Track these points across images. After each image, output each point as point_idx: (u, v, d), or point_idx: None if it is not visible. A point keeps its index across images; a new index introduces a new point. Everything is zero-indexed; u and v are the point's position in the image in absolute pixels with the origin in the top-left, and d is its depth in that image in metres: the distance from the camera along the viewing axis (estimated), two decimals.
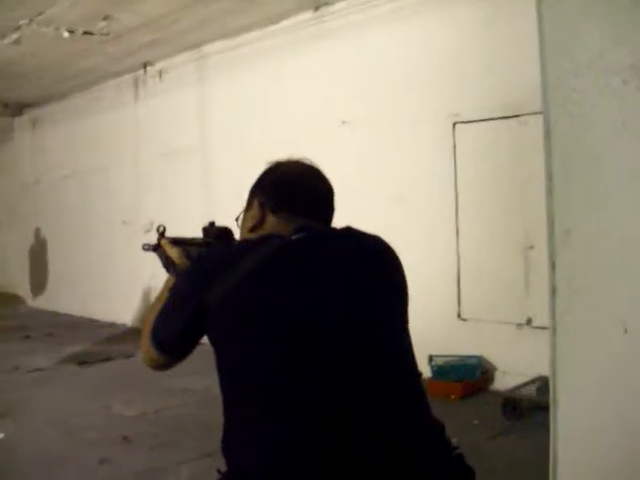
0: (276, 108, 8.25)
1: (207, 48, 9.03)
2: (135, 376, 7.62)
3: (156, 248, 2.53)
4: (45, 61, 9.51)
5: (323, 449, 1.87)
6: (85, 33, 8.14)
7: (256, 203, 2.19)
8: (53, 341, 9.80)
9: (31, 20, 7.57)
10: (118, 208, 11.02)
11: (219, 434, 5.17)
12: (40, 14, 7.37)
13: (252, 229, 2.18)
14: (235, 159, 8.82)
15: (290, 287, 1.96)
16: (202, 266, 2.09)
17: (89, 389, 7.18)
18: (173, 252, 2.47)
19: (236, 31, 8.38)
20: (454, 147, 6.63)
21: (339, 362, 1.92)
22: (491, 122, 6.40)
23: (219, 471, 2.04)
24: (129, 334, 10.12)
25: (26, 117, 13.47)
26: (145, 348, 2.15)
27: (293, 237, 2.06)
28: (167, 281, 2.34)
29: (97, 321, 11.17)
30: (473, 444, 4.82)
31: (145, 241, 2.59)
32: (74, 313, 11.84)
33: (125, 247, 10.83)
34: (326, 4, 7.42)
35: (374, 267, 2.09)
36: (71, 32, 8.03)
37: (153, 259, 8.16)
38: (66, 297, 12.32)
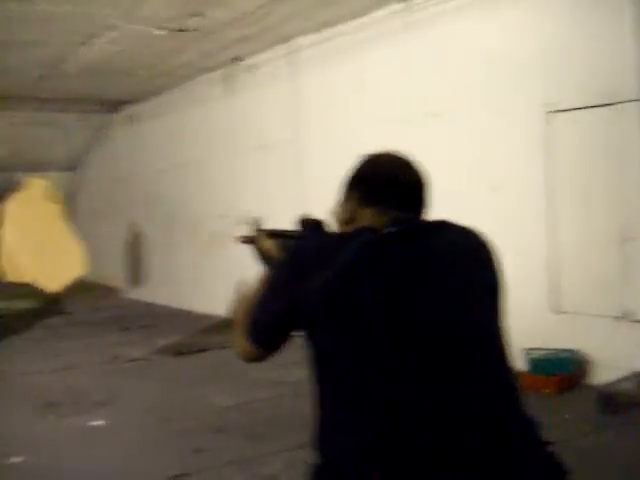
0: (367, 100, 8.23)
1: (297, 42, 9.06)
2: (229, 367, 7.71)
3: (252, 241, 2.53)
4: (139, 59, 9.69)
5: (417, 445, 1.87)
6: (178, 30, 8.27)
7: (350, 196, 2.18)
8: (150, 332, 10.01)
9: (125, 19, 7.72)
10: (213, 201, 11.16)
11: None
12: (134, 13, 7.51)
13: (346, 222, 2.18)
14: (327, 152, 8.84)
15: (383, 281, 1.95)
16: (296, 259, 2.09)
17: (184, 379, 7.33)
18: (269, 244, 2.47)
19: (326, 24, 8.39)
20: (547, 136, 6.51)
21: (432, 358, 1.91)
22: (586, 110, 6.24)
23: (309, 463, 2.04)
24: (224, 325, 10.23)
25: (122, 113, 13.75)
26: (239, 340, 2.17)
27: (386, 230, 2.04)
28: (261, 274, 2.33)
29: (192, 312, 11.33)
30: (565, 440, 4.74)
31: (241, 233, 2.59)
32: (170, 305, 12.05)
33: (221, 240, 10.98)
34: None
35: (468, 261, 2.07)
36: (164, 30, 8.16)
37: (249, 251, 8.25)
38: (163, 289, 12.55)
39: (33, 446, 5.42)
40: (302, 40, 8.96)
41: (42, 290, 9.11)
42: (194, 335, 9.67)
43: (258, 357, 2.17)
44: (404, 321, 1.93)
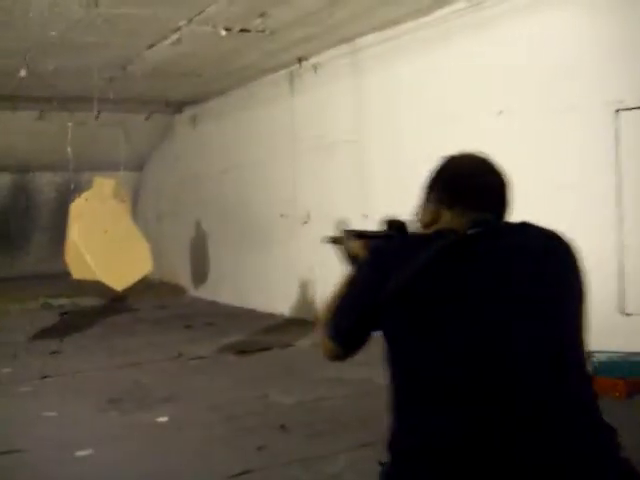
0: (431, 99, 8.18)
1: (361, 41, 9.05)
2: (292, 366, 7.78)
3: (339, 241, 2.58)
4: (203, 59, 9.77)
5: (491, 447, 1.87)
6: (242, 30, 8.30)
7: (431, 198, 2.22)
8: (213, 330, 10.10)
9: (190, 20, 7.79)
10: (276, 201, 11.21)
11: (375, 425, 5.21)
12: (199, 14, 7.57)
13: (428, 224, 2.20)
14: (390, 152, 8.83)
15: (463, 282, 1.98)
16: (378, 259, 2.14)
17: (248, 377, 7.36)
18: (355, 245, 2.50)
19: (389, 23, 8.36)
20: (617, 134, 6.39)
21: (509, 359, 1.92)
22: None
23: (381, 463, 2.07)
24: (287, 325, 10.30)
25: (186, 114, 13.89)
26: (323, 339, 2.22)
27: (468, 232, 2.06)
28: (346, 274, 2.37)
29: (255, 311, 11.40)
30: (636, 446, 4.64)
31: (328, 234, 2.64)
32: (233, 303, 12.14)
33: (283, 239, 11.03)
34: None
35: (550, 264, 2.07)
36: (228, 30, 8.21)
37: (311, 251, 8.30)
38: (226, 288, 12.65)
39: (98, 441, 5.51)
40: (365, 39, 8.95)
41: (108, 288, 9.23)
42: (257, 334, 9.73)
43: (340, 356, 2.22)
44: (483, 324, 1.94)
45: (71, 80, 10.45)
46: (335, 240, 2.59)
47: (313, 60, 9.99)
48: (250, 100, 11.65)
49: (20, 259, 15.77)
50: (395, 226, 2.46)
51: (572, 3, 6.62)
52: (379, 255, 2.16)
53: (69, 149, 9.94)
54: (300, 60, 10.13)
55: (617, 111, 6.36)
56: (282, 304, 10.95)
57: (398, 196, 8.58)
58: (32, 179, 15.57)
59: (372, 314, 2.06)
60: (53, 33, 7.96)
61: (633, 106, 6.25)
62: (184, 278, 14.18)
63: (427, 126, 8.17)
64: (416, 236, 2.25)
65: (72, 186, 9.78)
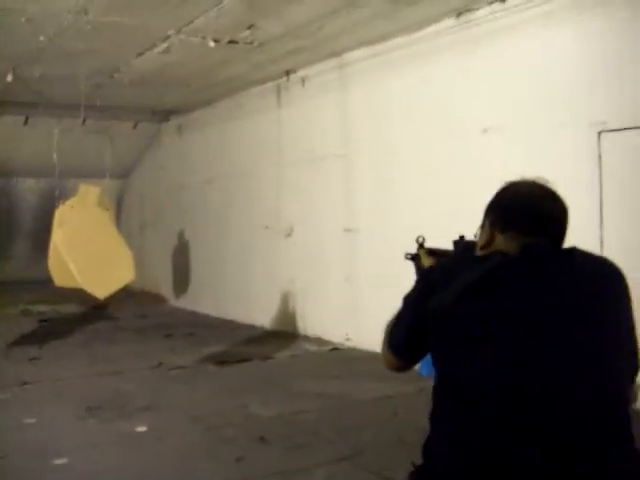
0: (420, 115, 8.21)
1: (349, 55, 9.09)
2: (272, 378, 7.77)
3: (414, 257, 2.74)
4: (191, 69, 9.80)
5: (525, 464, 1.94)
6: (230, 42, 8.34)
7: (487, 222, 2.29)
8: (194, 340, 10.07)
9: (179, 30, 7.82)
10: (259, 212, 11.23)
11: (354, 439, 5.24)
12: (188, 24, 7.60)
13: (483, 247, 2.28)
14: (377, 167, 8.85)
15: (505, 302, 2.05)
16: (428, 277, 2.31)
17: (227, 388, 7.34)
18: (427, 262, 2.66)
19: (378, 38, 8.41)
20: (599, 156, 6.44)
21: (544, 377, 1.98)
22: (637, 130, 6.18)
23: (414, 464, 2.21)
24: (267, 336, 10.29)
25: (172, 123, 13.91)
26: (383, 350, 2.37)
27: (516, 255, 2.13)
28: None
29: (236, 322, 11.39)
30: None
31: (406, 250, 2.79)
32: (214, 314, 12.13)
33: (265, 251, 11.03)
34: (468, 11, 7.36)
35: (594, 290, 2.12)
36: (217, 41, 8.24)
37: (293, 263, 8.29)
38: (207, 298, 12.64)
39: (76, 449, 5.48)
40: (354, 54, 9.00)
41: (90, 295, 9.21)
42: (237, 345, 9.71)
43: (398, 367, 2.38)
44: (520, 345, 2.01)
45: (58, 86, 10.44)
46: (413, 257, 2.74)
47: (301, 73, 10.03)
48: (237, 111, 11.67)
49: (2, 265, 15.70)
50: (463, 246, 2.56)
51: (560, 25, 6.67)
52: (429, 274, 2.34)
53: (55, 155, 9.92)
54: (288, 73, 10.18)
55: (600, 133, 6.41)
56: (263, 316, 10.95)
57: (384, 211, 8.65)
58: (15, 184, 15.53)
59: (419, 328, 2.18)
60: (42, 39, 7.97)
61: (615, 128, 6.31)
62: (165, 287, 14.17)
63: (415, 142, 8.22)
64: (467, 257, 2.34)
65: (57, 192, 9.76)
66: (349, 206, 9.28)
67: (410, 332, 2.24)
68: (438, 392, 2.16)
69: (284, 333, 10.25)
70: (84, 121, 10.51)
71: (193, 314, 12.59)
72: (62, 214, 9.14)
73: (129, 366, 8.36)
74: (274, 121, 10.79)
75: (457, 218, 7.32)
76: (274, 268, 10.79)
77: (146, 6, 7.05)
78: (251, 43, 8.45)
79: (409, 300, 2.28)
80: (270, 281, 10.88)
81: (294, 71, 10.09)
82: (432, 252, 2.70)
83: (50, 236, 9.25)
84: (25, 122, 12.53)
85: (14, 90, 10.53)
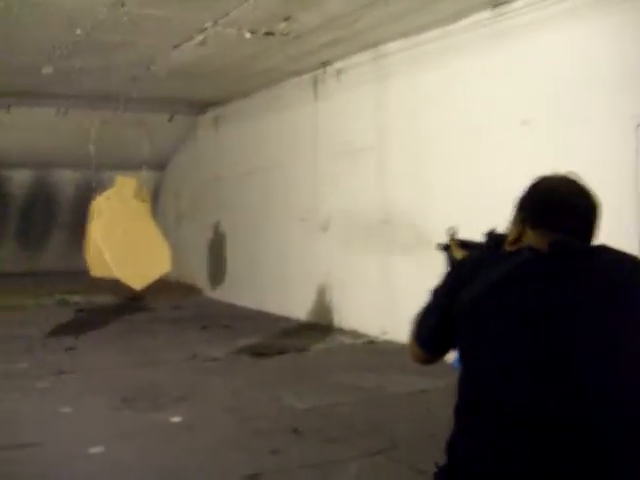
0: (454, 108, 8.15)
1: (386, 47, 9.05)
2: (307, 370, 7.78)
3: (446, 248, 2.74)
4: (228, 61, 9.81)
5: (542, 470, 1.93)
6: (266, 34, 8.34)
7: (518, 217, 2.27)
8: (229, 332, 10.11)
9: (215, 22, 7.83)
10: (296, 205, 11.23)
11: (387, 433, 5.22)
12: (224, 16, 7.60)
13: (513, 242, 2.26)
14: (412, 159, 8.81)
15: (531, 298, 2.03)
16: (456, 270, 2.32)
17: (262, 380, 7.36)
18: (458, 254, 2.66)
19: (415, 30, 8.36)
20: (637, 150, 6.34)
21: (567, 376, 1.96)
22: None
23: (437, 465, 2.19)
24: (302, 329, 10.30)
25: (209, 115, 13.94)
26: (411, 342, 2.36)
27: (545, 251, 2.11)
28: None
29: (272, 315, 11.41)
30: None
31: (439, 241, 2.81)
32: (250, 306, 12.15)
33: (301, 243, 11.03)
34: (505, 2, 7.29)
35: (622, 290, 2.08)
36: (253, 33, 8.24)
37: (329, 256, 8.27)
38: (243, 290, 12.67)
39: (111, 438, 5.52)
40: (390, 46, 8.95)
41: (126, 286, 9.27)
42: (273, 337, 9.73)
43: (425, 360, 2.37)
44: (543, 343, 1.99)
45: (95, 78, 10.50)
46: (445, 247, 2.75)
47: (337, 65, 10.00)
48: (273, 103, 11.67)
49: (38, 255, 15.88)
50: (494, 239, 2.53)
51: (595, 17, 6.58)
52: (458, 267, 2.35)
53: (92, 147, 9.99)
54: (324, 65, 10.15)
55: (638, 126, 6.30)
56: (299, 308, 10.95)
57: (419, 203, 8.60)
58: (53, 176, 15.67)
59: (446, 321, 2.17)
60: (79, 32, 8.01)
61: None
62: (201, 279, 14.22)
63: (450, 134, 8.16)
64: (497, 252, 2.33)
65: (94, 184, 9.83)
66: (385, 198, 9.24)
67: (437, 325, 2.23)
68: (462, 386, 2.15)
69: (320, 326, 10.24)
70: (121, 113, 10.56)
71: (229, 306, 12.63)
72: (99, 205, 9.22)
73: (164, 357, 8.42)
74: (310, 113, 10.77)
75: (491, 210, 7.27)
76: (310, 260, 10.79)
77: None
78: (287, 35, 8.44)
79: (437, 293, 2.27)
80: (306, 273, 10.88)
81: (330, 63, 10.06)
82: (463, 244, 2.69)
83: (87, 227, 9.32)
84: (62, 114, 12.62)
85: (53, 82, 10.63)
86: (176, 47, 8.88)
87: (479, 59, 7.78)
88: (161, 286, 11.52)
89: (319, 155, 10.64)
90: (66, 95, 11.88)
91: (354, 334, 9.57)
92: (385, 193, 9.25)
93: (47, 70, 9.71)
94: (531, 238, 2.19)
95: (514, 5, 7.28)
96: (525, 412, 1.95)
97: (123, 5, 7.10)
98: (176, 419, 6.02)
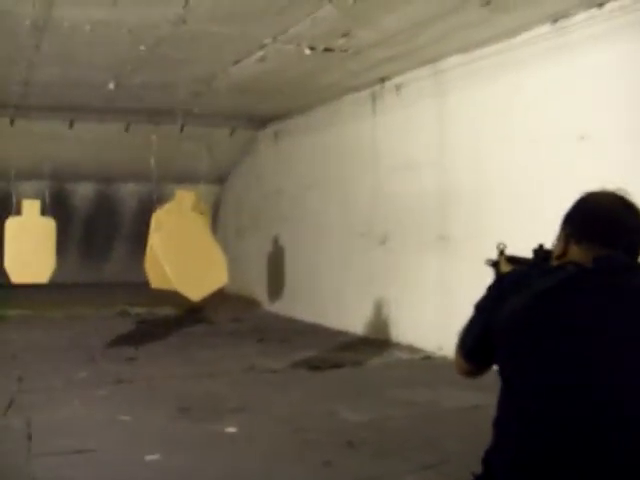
0: (515, 123, 8.11)
1: (445, 62, 9.04)
2: (363, 384, 7.79)
3: (495, 264, 2.74)
4: (287, 77, 9.89)
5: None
6: (325, 50, 8.40)
7: (564, 232, 2.28)
8: (286, 345, 10.15)
9: (275, 38, 7.91)
10: (354, 219, 11.25)
11: (441, 448, 5.22)
12: (284, 32, 7.69)
13: (558, 257, 2.28)
14: (472, 174, 8.77)
15: (573, 314, 2.04)
16: (499, 285, 2.31)
17: (318, 393, 7.39)
18: (507, 270, 2.62)
19: (473, 45, 8.35)
20: None
21: (609, 394, 1.96)
22: None
23: (473, 474, 2.22)
24: (360, 343, 10.30)
25: (269, 130, 14.05)
26: (456, 355, 2.39)
27: (589, 266, 2.11)
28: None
29: (330, 328, 11.42)
30: None
31: (487, 257, 2.80)
32: (308, 319, 12.19)
33: (360, 258, 11.05)
34: (565, 16, 7.24)
35: None
36: (312, 49, 8.31)
37: (388, 270, 8.28)
38: (301, 303, 12.71)
39: (168, 447, 5.60)
40: (448, 61, 8.95)
41: (185, 298, 9.39)
42: (330, 351, 9.75)
43: (469, 372, 2.39)
44: (586, 357, 1.99)
45: (157, 94, 10.69)
46: (494, 263, 2.75)
47: (396, 80, 10.02)
48: (332, 118, 11.74)
49: (101, 266, 16.17)
50: (542, 255, 2.54)
51: None
52: (502, 281, 2.34)
53: (153, 161, 10.16)
54: (383, 80, 10.19)
55: None
56: (356, 322, 10.96)
57: (478, 219, 8.57)
58: (116, 189, 15.96)
59: (487, 335, 2.19)
60: (142, 48, 8.17)
61: None
62: (260, 292, 14.31)
63: (510, 149, 8.11)
64: (540, 267, 2.34)
65: (154, 197, 9.99)
66: (443, 214, 9.23)
67: (480, 337, 2.24)
68: (502, 399, 2.16)
69: (377, 340, 10.24)
70: (182, 128, 10.72)
71: (287, 319, 12.68)
72: (159, 218, 9.36)
73: (222, 369, 8.50)
74: (369, 128, 10.81)
75: (550, 225, 7.23)
76: (368, 275, 10.80)
77: (244, 15, 7.15)
78: (346, 51, 8.50)
79: (480, 306, 2.30)
80: (364, 288, 10.89)
81: (389, 78, 10.09)
82: (512, 259, 2.68)
83: (147, 239, 9.47)
84: (126, 129, 12.86)
85: (116, 97, 10.86)
86: (236, 63, 9.00)
87: (539, 73, 7.73)
88: (220, 299, 11.65)
89: (378, 170, 10.66)
90: (129, 110, 12.12)
91: (411, 349, 9.56)
92: (444, 208, 9.23)
93: (110, 86, 9.92)
94: (576, 253, 2.19)
95: (575, 19, 7.22)
96: (568, 427, 1.95)
97: (185, 22, 7.22)
98: (232, 429, 6.09)
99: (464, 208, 8.89)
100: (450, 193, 9.15)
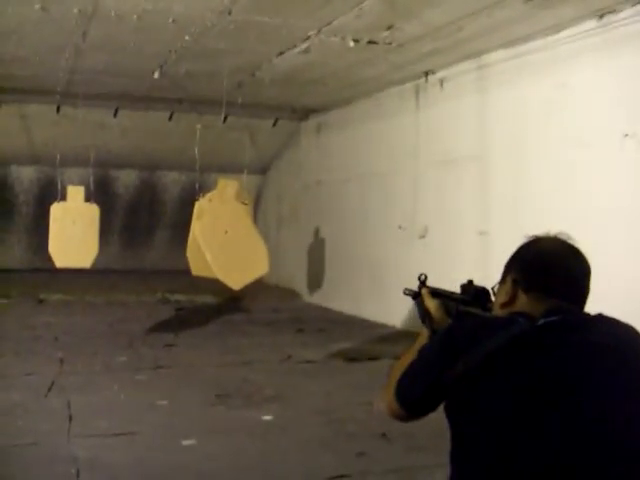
0: (558, 120, 8.03)
1: (488, 57, 9.00)
2: None
3: (416, 296, 2.63)
4: (331, 69, 9.92)
5: None
6: (369, 42, 8.41)
7: (509, 279, 2.19)
8: (324, 336, 10.20)
9: (319, 30, 7.94)
10: (395, 212, 11.25)
11: None
12: (328, 24, 7.70)
13: (503, 305, 2.19)
14: (513, 171, 8.71)
15: (530, 375, 1.94)
16: (450, 338, 2.14)
17: (354, 385, 7.40)
18: (431, 304, 2.55)
19: (518, 40, 8.29)
20: None
21: (578, 457, 1.87)
22: None
23: None
24: (398, 336, 10.30)
25: (312, 121, 14.08)
26: (388, 397, 2.26)
27: (541, 321, 2.03)
28: (420, 334, 2.48)
29: (368, 321, 11.44)
30: None
31: (407, 286, 2.72)
32: (346, 311, 12.22)
33: (399, 251, 11.05)
34: (611, 12, 7.17)
35: (631, 361, 2.01)
36: (356, 41, 8.32)
37: (427, 264, 8.32)
38: (340, 295, 12.74)
39: (204, 432, 5.69)
40: (492, 56, 8.90)
41: (225, 287, 9.46)
42: (368, 343, 9.78)
43: (401, 417, 2.27)
44: (550, 424, 1.89)
45: (201, 83, 10.77)
46: (414, 295, 2.64)
47: (440, 74, 10.00)
48: (375, 111, 11.73)
49: (142, 254, 16.34)
50: (472, 291, 2.46)
51: None
52: (451, 334, 2.16)
53: (196, 150, 10.24)
54: (426, 74, 10.17)
55: None
56: (395, 315, 10.96)
57: (517, 215, 8.53)
58: (159, 177, 16.11)
59: (435, 390, 2.09)
60: (187, 38, 8.24)
61: None
62: (300, 283, 14.36)
63: (553, 147, 8.05)
64: (489, 318, 2.26)
65: (197, 186, 10.05)
66: (483, 209, 9.20)
67: (425, 392, 2.14)
68: (455, 460, 2.08)
69: (415, 333, 10.20)
70: (225, 118, 10.78)
71: (326, 310, 12.72)
72: (201, 207, 9.43)
73: (259, 357, 8.57)
74: (412, 122, 10.78)
75: (587, 225, 7.18)
76: (407, 268, 10.77)
77: (289, 6, 7.19)
78: (390, 44, 8.49)
79: (427, 357, 2.17)
80: (403, 281, 10.77)
81: (433, 72, 10.07)
82: (435, 293, 2.56)
83: (189, 228, 9.55)
84: (170, 117, 12.98)
85: (160, 86, 10.96)
86: (280, 54, 9.04)
87: (584, 69, 7.66)
88: (260, 288, 11.73)
89: (419, 163, 10.65)
90: (173, 99, 12.24)
91: None
92: (484, 204, 9.20)
93: (155, 75, 10.02)
94: (524, 303, 2.12)
95: (621, 15, 7.13)
96: None
97: (230, 13, 7.27)
98: (267, 417, 6.15)
99: (503, 204, 8.85)
100: (490, 189, 9.11)
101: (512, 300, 2.16)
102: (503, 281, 2.23)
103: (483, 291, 2.42)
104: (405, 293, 2.68)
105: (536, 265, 2.17)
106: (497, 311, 2.23)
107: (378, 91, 11.36)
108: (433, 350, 2.17)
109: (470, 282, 2.50)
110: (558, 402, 1.90)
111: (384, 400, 2.29)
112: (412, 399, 2.20)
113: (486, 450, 1.96)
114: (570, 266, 2.14)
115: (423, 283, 2.61)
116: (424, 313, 2.57)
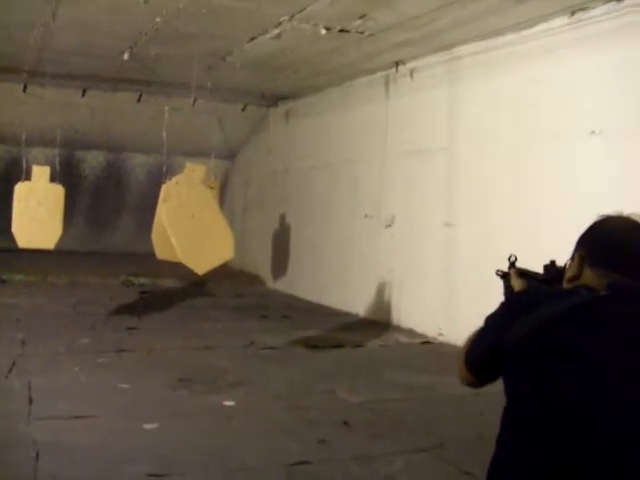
0: (527, 114, 8.10)
1: (459, 49, 9.02)
2: (362, 365, 7.85)
3: (505, 276, 2.69)
4: (302, 56, 9.90)
5: None
6: (341, 31, 8.40)
7: (578, 255, 2.26)
8: (287, 323, 10.22)
9: (292, 17, 7.91)
10: (362, 201, 11.27)
11: (435, 431, 5.26)
12: (301, 11, 7.68)
13: (570, 280, 2.26)
14: (480, 163, 8.77)
15: (583, 342, 2.02)
16: (511, 303, 2.29)
17: (316, 372, 7.45)
18: (517, 283, 2.60)
19: (489, 34, 8.33)
20: None
21: (620, 427, 1.96)
22: None
23: None
24: (360, 324, 10.36)
25: (280, 108, 14.05)
26: (459, 363, 2.34)
27: (603, 293, 2.09)
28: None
29: (331, 308, 11.49)
30: None
31: (498, 268, 2.74)
32: (310, 299, 12.25)
33: (365, 240, 11.08)
34: (583, 9, 7.23)
35: None
36: (328, 29, 8.31)
37: (391, 253, 8.32)
38: (304, 282, 12.77)
39: (166, 416, 5.70)
40: (464, 48, 8.93)
41: (189, 271, 9.43)
42: (330, 330, 9.80)
43: (472, 382, 2.34)
44: (598, 387, 1.98)
45: (171, 66, 10.71)
46: (503, 275, 2.71)
47: (410, 65, 10.01)
48: (344, 100, 11.73)
49: (107, 236, 16.24)
50: (554, 272, 2.52)
51: None
52: (513, 300, 2.34)
53: (164, 133, 10.17)
54: (397, 64, 10.17)
55: None
56: (358, 304, 11.01)
57: (484, 208, 8.59)
58: (125, 159, 15.99)
59: (494, 352, 2.16)
60: (158, 20, 8.18)
61: None
62: (264, 269, 14.36)
63: (521, 141, 8.11)
64: (553, 289, 2.34)
65: (164, 169, 9.99)
66: (450, 200, 9.24)
67: (486, 356, 2.22)
68: (506, 419, 2.15)
69: (378, 322, 10.29)
70: (194, 101, 10.72)
71: (289, 297, 12.74)
72: (168, 190, 9.36)
73: (222, 343, 8.58)
74: (381, 112, 10.80)
75: (556, 220, 7.24)
76: (372, 257, 10.83)
77: None
78: (362, 33, 8.50)
79: (490, 322, 2.26)
80: (368, 270, 10.93)
81: (403, 63, 10.08)
82: (522, 273, 2.63)
83: (155, 210, 9.50)
84: (138, 99, 12.89)
85: (129, 68, 10.87)
86: (252, 39, 9.00)
87: (555, 65, 7.72)
88: (224, 274, 11.71)
89: (387, 153, 10.67)
90: (142, 81, 12.15)
91: (411, 333, 9.61)
92: (451, 195, 9.24)
93: (125, 56, 9.94)
94: (589, 277, 2.18)
95: (593, 12, 7.19)
96: (577, 453, 1.96)
97: None
98: (229, 403, 6.16)
99: (470, 196, 8.91)
100: (457, 181, 9.16)
101: (579, 275, 2.23)
102: (573, 257, 2.30)
103: (564, 270, 2.49)
104: (497, 274, 2.76)
105: (601, 242, 2.23)
106: (565, 285, 2.30)
107: (348, 80, 11.36)
108: (496, 315, 2.26)
109: (553, 262, 2.57)
110: (605, 370, 1.99)
111: (458, 368, 2.37)
112: (475, 360, 2.28)
113: (527, 404, 2.06)
114: (634, 244, 2.19)
115: (513, 264, 2.69)
116: (509, 292, 2.63)
